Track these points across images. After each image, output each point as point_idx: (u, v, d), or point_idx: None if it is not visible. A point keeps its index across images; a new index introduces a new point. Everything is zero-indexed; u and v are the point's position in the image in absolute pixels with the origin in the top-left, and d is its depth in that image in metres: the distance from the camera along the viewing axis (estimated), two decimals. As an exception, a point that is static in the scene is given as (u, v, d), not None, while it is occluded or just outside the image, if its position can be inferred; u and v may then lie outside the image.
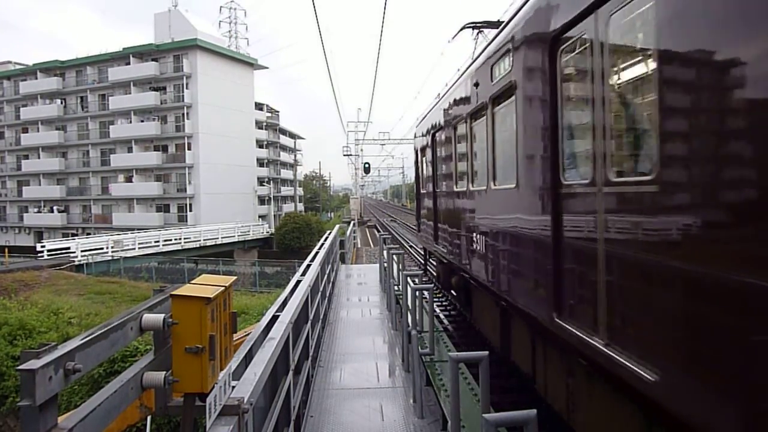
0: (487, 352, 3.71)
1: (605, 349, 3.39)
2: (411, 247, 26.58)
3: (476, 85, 7.03)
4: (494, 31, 6.37)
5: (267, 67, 64.64)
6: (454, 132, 8.65)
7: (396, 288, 10.02)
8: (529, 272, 5.03)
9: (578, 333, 3.81)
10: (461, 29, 11.25)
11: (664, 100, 2.84)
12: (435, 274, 12.44)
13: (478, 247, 6.97)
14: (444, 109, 9.43)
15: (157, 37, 54.46)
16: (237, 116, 55.41)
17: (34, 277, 27.19)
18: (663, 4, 2.77)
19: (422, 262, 14.27)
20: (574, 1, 3.76)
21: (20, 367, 1.54)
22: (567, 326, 4.02)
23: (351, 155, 57.22)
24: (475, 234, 7.20)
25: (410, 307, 6.82)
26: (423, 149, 12.38)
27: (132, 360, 12.42)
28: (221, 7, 79.76)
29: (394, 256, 10.58)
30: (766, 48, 2.08)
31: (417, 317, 6.36)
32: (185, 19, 54.57)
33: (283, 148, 76.34)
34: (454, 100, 8.51)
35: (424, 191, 12.52)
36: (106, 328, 1.99)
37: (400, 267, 10.37)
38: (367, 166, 52.74)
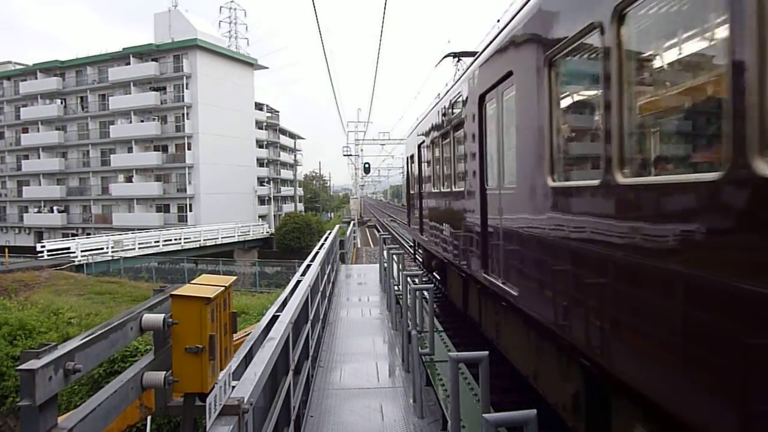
0: (486, 352, 3.72)
1: (502, 285, 5.78)
2: (411, 246, 26.59)
3: (444, 114, 9.45)
4: (470, 59, 8.37)
5: (267, 67, 64.72)
6: (433, 146, 10.88)
7: (396, 288, 10.02)
8: (473, 248, 7.22)
9: (492, 279, 6.21)
10: (444, 57, 13.64)
11: (518, 144, 5.18)
12: (421, 260, 15.20)
13: (448, 235, 9.20)
14: (425, 127, 11.71)
15: (157, 37, 54.45)
16: (237, 116, 55.41)
17: (34, 278, 27.19)
18: (518, 95, 5.23)
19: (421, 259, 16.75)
20: (488, 78, 6.24)
21: (20, 367, 1.54)
22: (488, 276, 6.37)
23: (351, 155, 57.22)
24: (445, 224, 9.50)
25: (410, 307, 6.83)
26: (411, 157, 14.80)
27: (132, 360, 12.42)
28: (221, 7, 79.73)
29: (394, 256, 10.59)
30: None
31: (417, 317, 6.36)
32: (185, 19, 54.54)
33: (283, 148, 76.34)
34: (432, 122, 10.87)
35: (413, 192, 14.96)
36: (106, 328, 1.99)
37: (400, 267, 10.38)
38: (367, 166, 52.74)
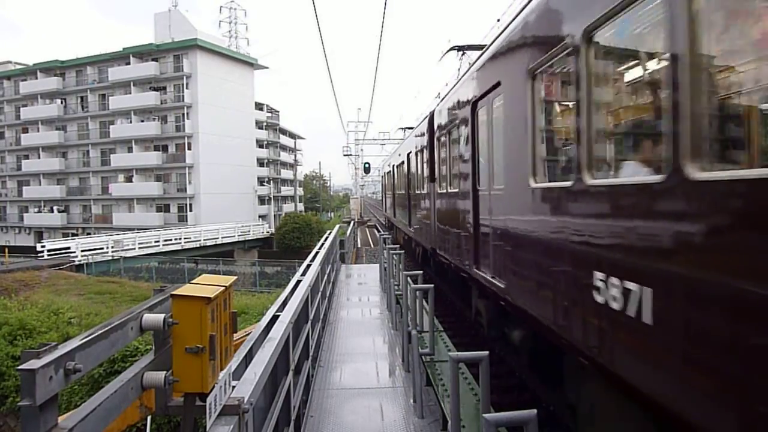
0: (486, 352, 3.72)
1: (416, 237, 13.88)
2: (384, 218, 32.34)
3: (416, 136, 14.11)
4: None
5: (267, 67, 64.65)
6: (394, 169, 20.46)
7: (396, 288, 10.02)
8: (406, 218, 16.29)
9: (416, 237, 14.13)
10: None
11: (450, 165, 9.43)
12: (386, 225, 28.47)
13: (392, 211, 21.63)
14: (390, 159, 22.89)
15: (157, 37, 54.45)
16: (237, 116, 55.41)
17: (34, 277, 27.19)
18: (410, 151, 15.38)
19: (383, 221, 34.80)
20: (427, 128, 11.63)
21: (21, 367, 1.54)
22: (414, 235, 14.48)
23: (351, 155, 57.21)
24: (391, 205, 22.84)
25: (410, 307, 6.82)
26: (383, 177, 28.98)
27: (132, 360, 12.42)
28: (221, 6, 79.77)
29: (394, 256, 10.58)
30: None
31: (417, 317, 6.36)
32: (185, 18, 54.54)
33: (283, 148, 76.32)
34: (397, 153, 19.73)
35: (382, 192, 27.74)
36: (106, 328, 1.99)
37: (400, 267, 10.37)
38: (367, 166, 52.71)
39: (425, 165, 12.01)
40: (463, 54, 14.19)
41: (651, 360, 2.90)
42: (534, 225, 4.72)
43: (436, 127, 10.61)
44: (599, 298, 3.41)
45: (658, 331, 2.82)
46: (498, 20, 12.57)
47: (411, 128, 18.19)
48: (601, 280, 3.41)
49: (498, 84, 5.74)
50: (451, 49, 14.45)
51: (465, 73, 7.79)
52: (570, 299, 3.97)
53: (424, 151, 11.96)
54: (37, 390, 1.53)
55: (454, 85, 8.90)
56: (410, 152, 14.83)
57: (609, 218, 3.45)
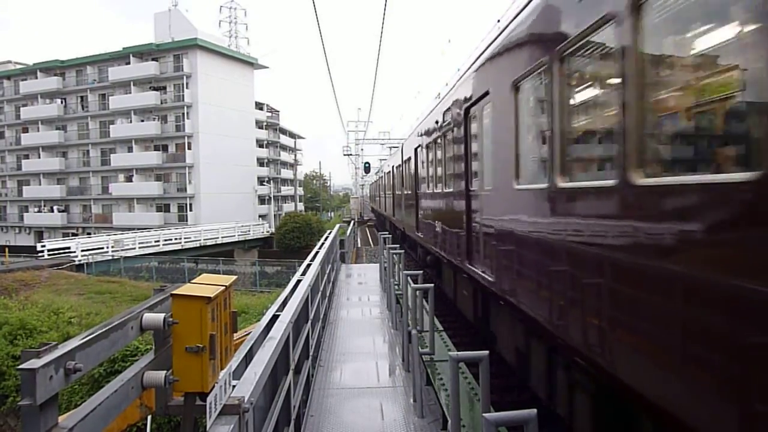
0: (486, 352, 3.72)
1: (392, 217, 23.17)
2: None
3: (395, 164, 20.51)
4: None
5: (267, 67, 64.62)
6: (377, 183, 41.20)
7: (396, 287, 10.03)
8: (387, 206, 26.47)
9: (396, 222, 20.71)
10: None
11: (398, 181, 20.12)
12: (374, 215, 49.56)
13: (381, 205, 33.16)
14: (377, 177, 43.07)
15: (157, 36, 54.45)
16: (237, 116, 55.41)
17: (35, 277, 27.19)
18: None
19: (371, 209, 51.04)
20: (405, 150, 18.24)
21: (21, 367, 1.54)
22: (395, 217, 21.19)
23: (351, 155, 57.25)
24: (378, 200, 39.48)
25: (410, 307, 6.83)
26: (371, 186, 53.46)
27: (132, 360, 12.42)
28: (221, 6, 79.62)
29: (394, 256, 10.58)
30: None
31: (417, 317, 6.36)
32: (185, 18, 54.53)
33: (284, 147, 76.30)
34: (381, 173, 34.38)
35: (370, 193, 53.89)
36: (106, 328, 1.99)
37: (400, 266, 10.37)
38: (367, 165, 52.76)
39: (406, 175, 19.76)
40: (392, 149, 33.76)
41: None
42: (423, 211, 12.22)
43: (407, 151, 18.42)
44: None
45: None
46: (498, 20, 12.62)
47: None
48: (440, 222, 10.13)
49: (416, 152, 13.51)
50: (394, 147, 35.79)
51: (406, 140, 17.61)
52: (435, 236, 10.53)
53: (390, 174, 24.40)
54: (38, 389, 1.53)
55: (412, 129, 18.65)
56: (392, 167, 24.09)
57: (409, 200, 15.57)
